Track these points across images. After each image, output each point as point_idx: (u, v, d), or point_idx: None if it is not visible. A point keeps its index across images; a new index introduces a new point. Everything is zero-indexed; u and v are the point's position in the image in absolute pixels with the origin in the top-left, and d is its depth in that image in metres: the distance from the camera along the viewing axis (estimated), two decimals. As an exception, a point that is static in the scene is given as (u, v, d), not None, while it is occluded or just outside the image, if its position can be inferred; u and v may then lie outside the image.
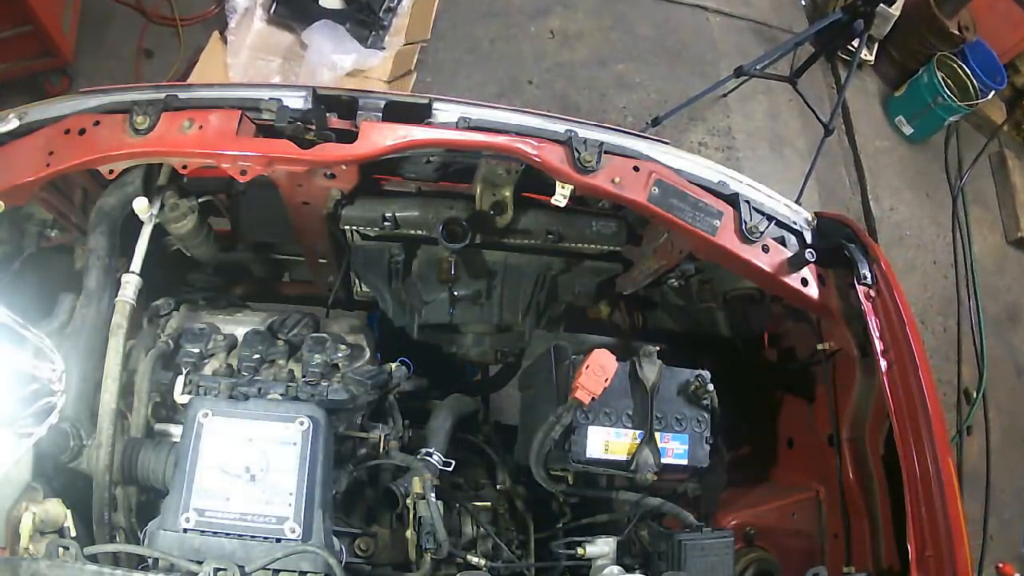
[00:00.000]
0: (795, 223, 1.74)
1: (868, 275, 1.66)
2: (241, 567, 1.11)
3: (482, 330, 1.92)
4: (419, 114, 1.60)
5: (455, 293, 1.85)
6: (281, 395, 1.40)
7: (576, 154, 1.57)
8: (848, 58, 4.49)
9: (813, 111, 3.65)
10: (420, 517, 1.41)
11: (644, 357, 1.52)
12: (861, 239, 1.73)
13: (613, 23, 4.31)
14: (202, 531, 1.20)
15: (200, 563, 1.12)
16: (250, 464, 1.24)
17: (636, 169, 1.61)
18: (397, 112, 1.59)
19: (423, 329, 1.91)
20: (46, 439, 1.21)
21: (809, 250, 1.62)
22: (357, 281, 2.01)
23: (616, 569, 1.42)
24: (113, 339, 1.39)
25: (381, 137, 1.52)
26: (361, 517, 1.52)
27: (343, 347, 1.55)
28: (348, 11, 3.44)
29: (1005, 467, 4.07)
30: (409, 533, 1.43)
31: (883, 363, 1.59)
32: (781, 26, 4.78)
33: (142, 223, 1.52)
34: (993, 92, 4.65)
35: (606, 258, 1.92)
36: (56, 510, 1.25)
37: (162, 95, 1.49)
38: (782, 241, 1.70)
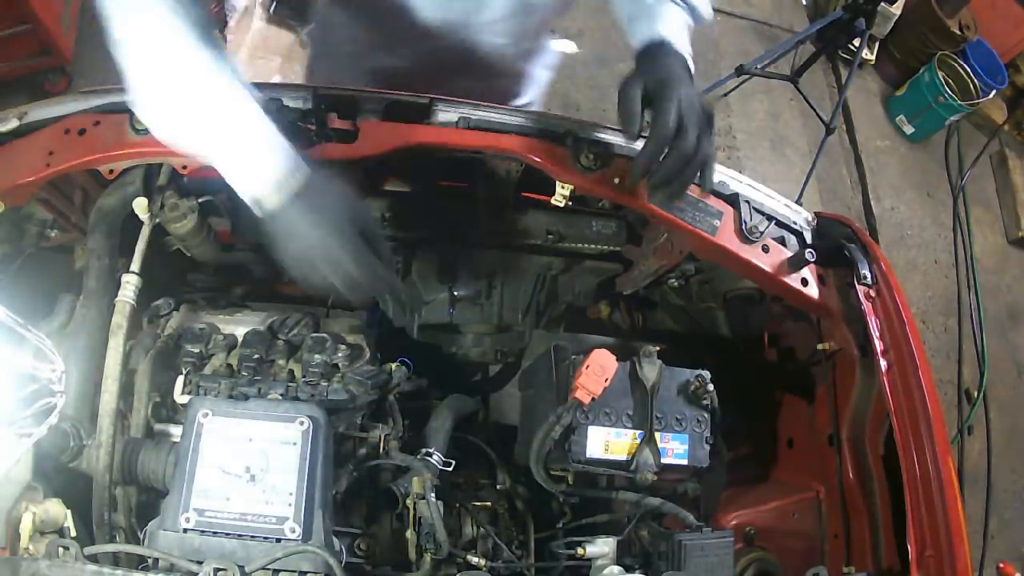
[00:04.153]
0: (795, 223, 1.74)
1: (868, 275, 1.66)
2: (241, 567, 1.11)
3: (482, 330, 1.92)
4: (419, 114, 1.60)
5: (455, 293, 1.85)
6: (281, 395, 1.40)
7: (576, 154, 1.57)
8: (849, 57, 4.50)
9: (814, 110, 3.65)
10: (420, 517, 1.41)
11: (644, 357, 1.52)
12: (861, 239, 1.73)
13: (613, 22, 4.30)
14: (202, 531, 1.20)
15: (200, 563, 1.12)
16: (250, 464, 1.24)
17: (636, 169, 1.61)
18: (397, 112, 1.59)
19: (423, 329, 1.91)
20: (46, 439, 1.21)
21: (809, 250, 1.62)
22: (357, 281, 2.00)
23: (616, 569, 1.42)
24: (113, 339, 1.39)
25: (381, 137, 1.52)
26: (361, 517, 1.51)
27: (343, 347, 1.54)
28: (348, 10, 3.44)
29: (1006, 467, 4.07)
30: (409, 533, 1.43)
31: (883, 363, 1.58)
32: (782, 25, 4.78)
33: (142, 223, 1.52)
34: (994, 91, 4.66)
35: (606, 258, 1.92)
36: (56, 510, 1.25)
37: (162, 95, 1.49)
38: (782, 241, 1.70)
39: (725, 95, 4.16)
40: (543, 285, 1.91)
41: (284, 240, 1.17)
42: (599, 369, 1.45)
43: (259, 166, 1.16)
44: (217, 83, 1.17)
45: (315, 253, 1.17)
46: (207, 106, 1.15)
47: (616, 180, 1.59)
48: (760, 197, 1.69)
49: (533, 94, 2.11)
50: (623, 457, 1.48)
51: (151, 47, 1.15)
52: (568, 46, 2.28)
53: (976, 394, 4.12)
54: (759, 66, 3.51)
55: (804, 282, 1.65)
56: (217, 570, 1.10)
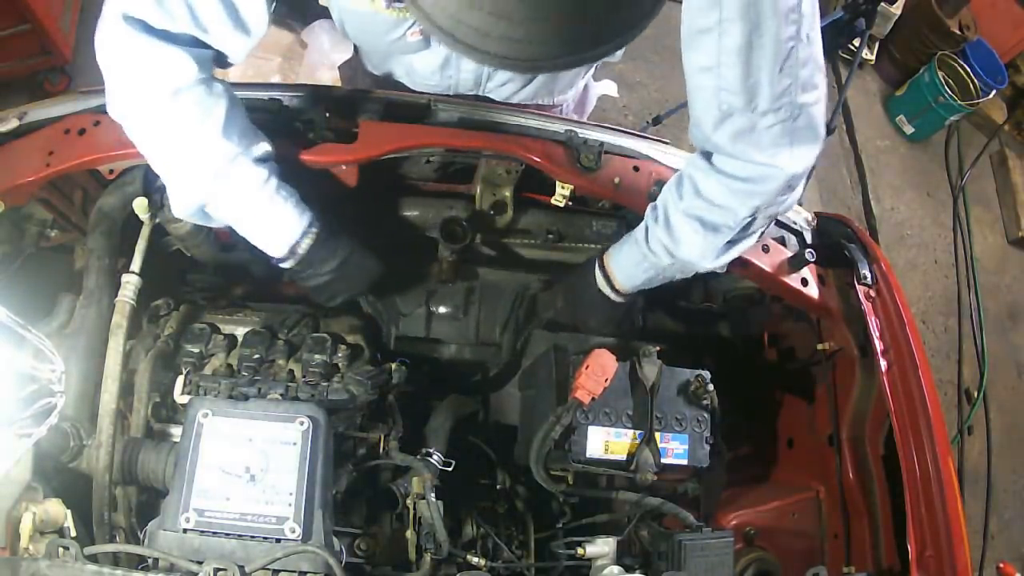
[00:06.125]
0: (795, 223, 1.74)
1: (868, 275, 1.66)
2: (241, 567, 1.11)
3: (460, 342, 1.90)
4: (419, 114, 1.60)
5: (432, 310, 1.84)
6: (281, 395, 1.40)
7: (576, 154, 1.57)
8: (849, 57, 4.49)
9: (814, 110, 3.64)
10: (420, 517, 1.41)
11: (644, 357, 1.52)
12: (861, 239, 1.73)
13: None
14: (202, 531, 1.20)
15: (200, 563, 1.12)
16: (250, 464, 1.24)
17: (636, 169, 1.62)
18: (397, 112, 1.59)
19: (400, 340, 1.88)
20: (46, 439, 1.21)
21: (809, 250, 1.62)
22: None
23: (616, 569, 1.42)
24: (113, 339, 1.39)
25: (381, 137, 1.52)
26: (361, 517, 1.52)
27: (343, 347, 1.55)
28: (348, 10, 3.43)
29: (1006, 467, 4.07)
30: (409, 533, 1.43)
31: (883, 363, 1.59)
32: (782, 25, 4.76)
33: (142, 223, 1.52)
34: (994, 91, 4.65)
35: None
36: (56, 510, 1.25)
37: (162, 95, 1.49)
38: (782, 241, 1.70)
39: (725, 95, 4.17)
40: (521, 303, 1.89)
41: (302, 280, 1.51)
42: (599, 369, 1.45)
43: (275, 238, 1.41)
44: (240, 171, 1.32)
45: (328, 287, 1.52)
46: (232, 192, 1.34)
47: (616, 180, 1.59)
48: (760, 197, 1.68)
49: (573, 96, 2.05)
50: (623, 457, 1.48)
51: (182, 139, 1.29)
52: (608, 87, 2.20)
53: (976, 394, 4.11)
54: (759, 66, 3.51)
55: (804, 282, 1.65)
56: (217, 570, 1.10)
